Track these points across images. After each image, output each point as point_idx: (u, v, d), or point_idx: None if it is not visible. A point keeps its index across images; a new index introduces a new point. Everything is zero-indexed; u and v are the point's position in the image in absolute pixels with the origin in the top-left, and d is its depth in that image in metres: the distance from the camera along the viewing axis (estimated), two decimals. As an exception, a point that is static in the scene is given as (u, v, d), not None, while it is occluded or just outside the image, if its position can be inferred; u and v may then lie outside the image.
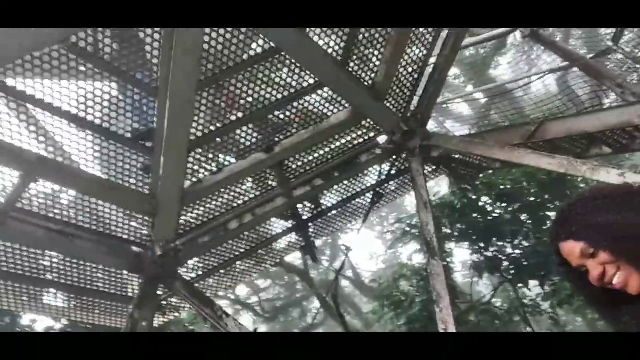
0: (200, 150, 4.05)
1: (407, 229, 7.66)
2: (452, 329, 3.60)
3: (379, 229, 26.20)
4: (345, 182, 5.38)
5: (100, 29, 3.00)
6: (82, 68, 3.16)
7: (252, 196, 4.70)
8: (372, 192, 5.64)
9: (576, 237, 1.52)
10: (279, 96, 3.95)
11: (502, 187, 6.65)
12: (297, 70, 3.90)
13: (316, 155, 4.77)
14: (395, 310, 6.89)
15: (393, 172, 5.62)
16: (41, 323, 9.63)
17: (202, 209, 4.63)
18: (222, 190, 4.48)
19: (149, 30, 3.10)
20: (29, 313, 4.75)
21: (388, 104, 4.47)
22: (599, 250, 1.47)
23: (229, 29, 3.33)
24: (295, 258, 18.14)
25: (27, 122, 3.31)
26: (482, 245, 6.84)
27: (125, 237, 4.36)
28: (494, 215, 6.76)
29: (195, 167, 4.09)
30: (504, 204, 6.71)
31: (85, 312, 4.95)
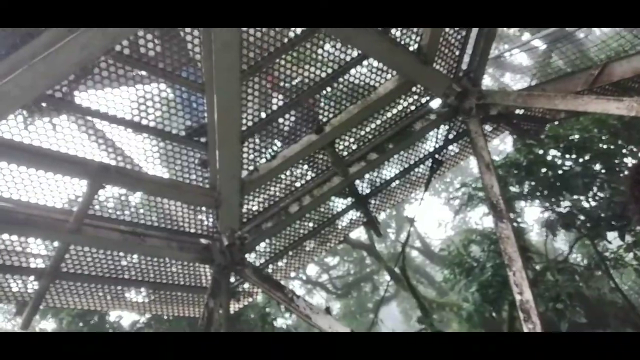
0: (253, 139, 4.09)
1: (473, 192, 7.41)
2: (527, 292, 3.47)
3: (445, 195, 25.69)
4: (402, 153, 5.27)
5: (141, 34, 3.06)
6: (130, 74, 3.25)
7: (309, 178, 4.71)
8: (431, 160, 5.50)
9: None
10: (323, 74, 3.89)
11: (570, 137, 6.27)
12: (338, 45, 3.82)
13: (368, 129, 4.69)
14: (466, 277, 6.73)
15: (451, 136, 5.44)
16: (127, 319, 10.34)
17: (262, 195, 4.71)
18: (280, 175, 4.52)
19: (188, 29, 3.13)
20: (114, 311, 5.04)
21: (437, 66, 4.30)
22: None
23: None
24: (361, 233, 18.20)
25: (88, 133, 3.47)
26: (553, 201, 6.51)
27: (193, 231, 4.52)
28: (563, 168, 6.38)
29: (251, 156, 4.15)
30: (573, 156, 6.32)
31: (165, 305, 5.20)
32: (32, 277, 4.20)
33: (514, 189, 6.73)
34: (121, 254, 4.53)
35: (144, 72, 3.36)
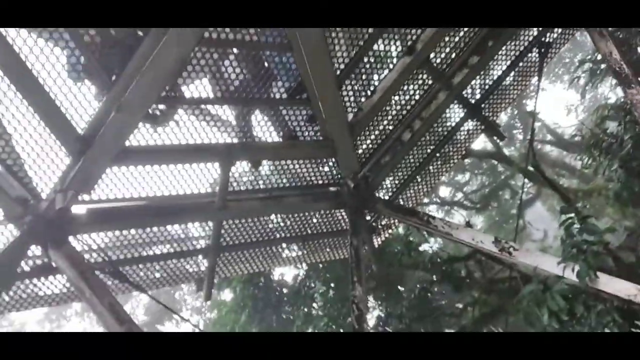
0: (349, 81, 4.17)
1: (595, 67, 6.74)
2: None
3: (568, 77, 23.44)
4: (505, 47, 4.97)
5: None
6: (224, 56, 3.50)
7: (413, 102, 4.69)
8: (537, 46, 5.12)
9: None
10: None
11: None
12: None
13: (462, 33, 4.50)
14: (606, 157, 6.21)
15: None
16: (288, 275, 11.47)
17: (374, 132, 4.81)
18: (385, 107, 4.57)
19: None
20: (275, 268, 5.61)
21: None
22: None
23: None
24: (486, 143, 17.54)
25: (206, 120, 3.83)
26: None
27: (321, 182, 4.81)
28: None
29: (352, 98, 4.24)
30: None
31: (316, 253, 5.67)
32: (200, 257, 4.85)
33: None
34: (266, 218, 4.99)
35: (235, 49, 3.60)
